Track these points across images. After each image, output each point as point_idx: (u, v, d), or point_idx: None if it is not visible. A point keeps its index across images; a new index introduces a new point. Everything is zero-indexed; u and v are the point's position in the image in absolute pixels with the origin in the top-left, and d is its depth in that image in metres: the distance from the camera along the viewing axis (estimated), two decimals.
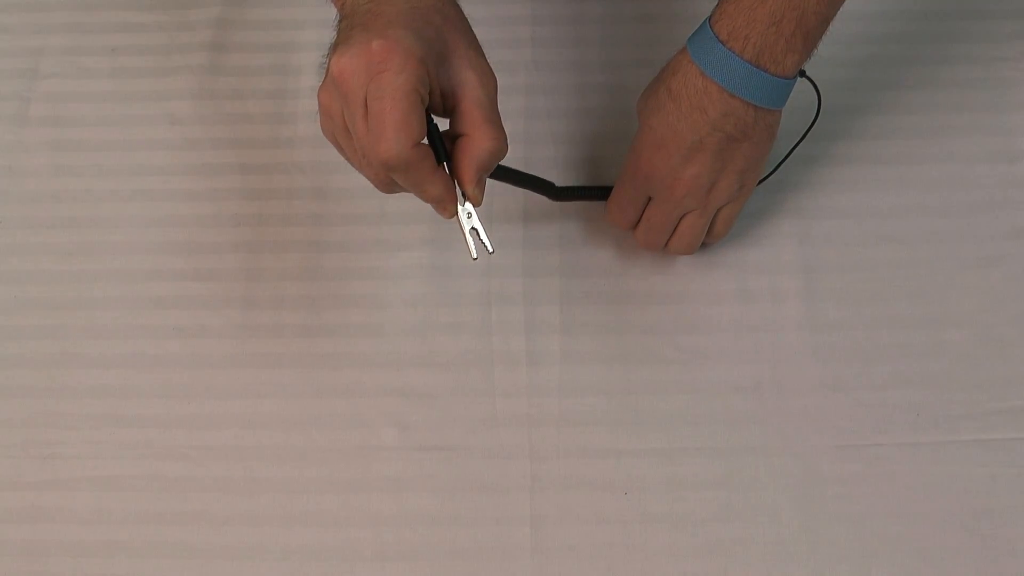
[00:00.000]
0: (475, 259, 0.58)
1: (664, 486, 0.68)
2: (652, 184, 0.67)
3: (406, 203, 0.76)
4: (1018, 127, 0.78)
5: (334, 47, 0.57)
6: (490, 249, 0.58)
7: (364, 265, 0.75)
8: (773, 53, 0.62)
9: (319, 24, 0.84)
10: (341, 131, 0.57)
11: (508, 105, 0.79)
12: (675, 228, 0.69)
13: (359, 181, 0.78)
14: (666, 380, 0.71)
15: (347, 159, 0.58)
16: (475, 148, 0.56)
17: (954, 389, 0.70)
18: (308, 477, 0.69)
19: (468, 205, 0.57)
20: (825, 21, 0.63)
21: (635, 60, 0.81)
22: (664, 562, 0.66)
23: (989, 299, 0.73)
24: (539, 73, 0.81)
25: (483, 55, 0.58)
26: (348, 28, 0.57)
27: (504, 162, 0.78)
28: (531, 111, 0.79)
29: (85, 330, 0.74)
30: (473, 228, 0.58)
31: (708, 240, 0.71)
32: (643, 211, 0.70)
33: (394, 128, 0.53)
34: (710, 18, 0.64)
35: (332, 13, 0.85)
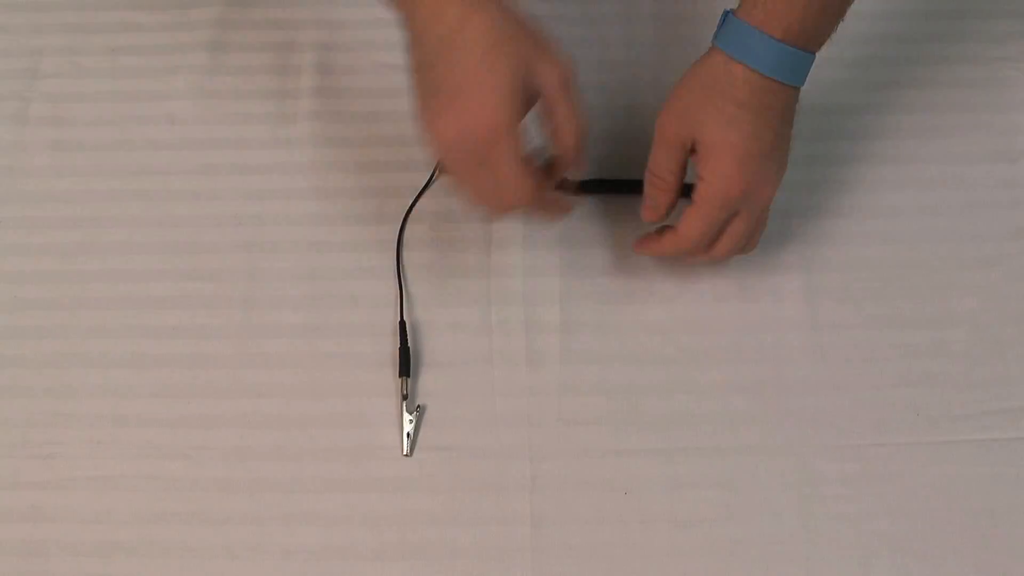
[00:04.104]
0: (405, 455, 0.69)
1: (664, 486, 0.68)
2: (746, 198, 0.65)
3: (405, 203, 0.77)
4: (1018, 127, 0.78)
5: (422, 92, 0.62)
6: (408, 453, 0.69)
7: (364, 265, 0.75)
8: (818, 33, 0.63)
9: (319, 24, 0.85)
10: (461, 178, 0.64)
11: None
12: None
13: (359, 181, 0.78)
14: (666, 380, 0.71)
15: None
16: (568, 130, 0.63)
17: (954, 389, 0.70)
18: (308, 477, 0.69)
19: (410, 415, 0.69)
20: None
21: (633, 60, 0.82)
22: (664, 562, 0.66)
23: (989, 299, 0.73)
24: None
25: (549, 44, 0.62)
26: (431, 67, 0.61)
27: None
28: (531, 111, 0.79)
29: (85, 330, 0.74)
30: (408, 433, 0.69)
31: (753, 240, 0.70)
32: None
33: (516, 187, 0.62)
34: (743, 15, 0.63)
35: (333, 13, 0.85)
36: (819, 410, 0.70)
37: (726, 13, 0.65)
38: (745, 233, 0.67)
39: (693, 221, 0.66)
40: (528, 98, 0.61)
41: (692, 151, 0.66)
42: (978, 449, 0.68)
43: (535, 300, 0.73)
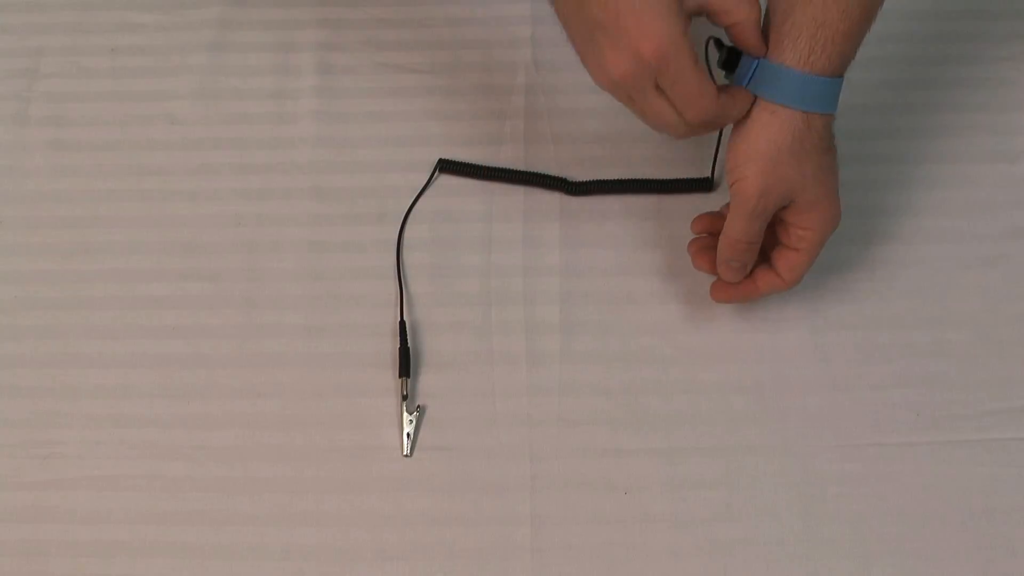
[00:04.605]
0: (406, 455, 0.69)
1: (664, 486, 0.68)
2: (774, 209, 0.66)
3: (405, 203, 0.77)
4: (1018, 127, 0.78)
5: (579, 35, 0.61)
6: (408, 454, 0.69)
7: (364, 265, 0.75)
8: (844, 58, 0.62)
9: (319, 24, 0.85)
10: (641, 107, 0.63)
11: (508, 105, 0.80)
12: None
13: (359, 181, 0.78)
14: (666, 380, 0.71)
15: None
16: (740, 17, 0.61)
17: (954, 389, 0.70)
18: (308, 477, 0.69)
19: (410, 415, 0.69)
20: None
21: None
22: (664, 562, 0.66)
23: (989, 299, 0.73)
24: (539, 73, 0.81)
25: None
26: (580, 5, 0.60)
27: (503, 162, 0.78)
28: (531, 111, 0.79)
29: (85, 330, 0.74)
30: (408, 433, 0.69)
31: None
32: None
33: (700, 99, 0.61)
34: (801, 64, 0.62)
35: (332, 13, 0.85)
36: (819, 410, 0.70)
37: (758, 62, 0.63)
38: None
39: (800, 267, 0.67)
40: (688, 8, 0.60)
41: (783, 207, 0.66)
42: (978, 449, 0.68)
43: (535, 300, 0.73)
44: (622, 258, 0.75)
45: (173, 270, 0.75)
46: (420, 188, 0.77)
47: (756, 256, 0.68)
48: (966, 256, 0.74)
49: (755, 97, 0.63)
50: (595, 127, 0.79)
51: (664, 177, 0.77)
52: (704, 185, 0.76)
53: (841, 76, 0.63)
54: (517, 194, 0.77)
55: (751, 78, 0.63)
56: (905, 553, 0.66)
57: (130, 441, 0.70)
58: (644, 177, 0.77)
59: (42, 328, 0.74)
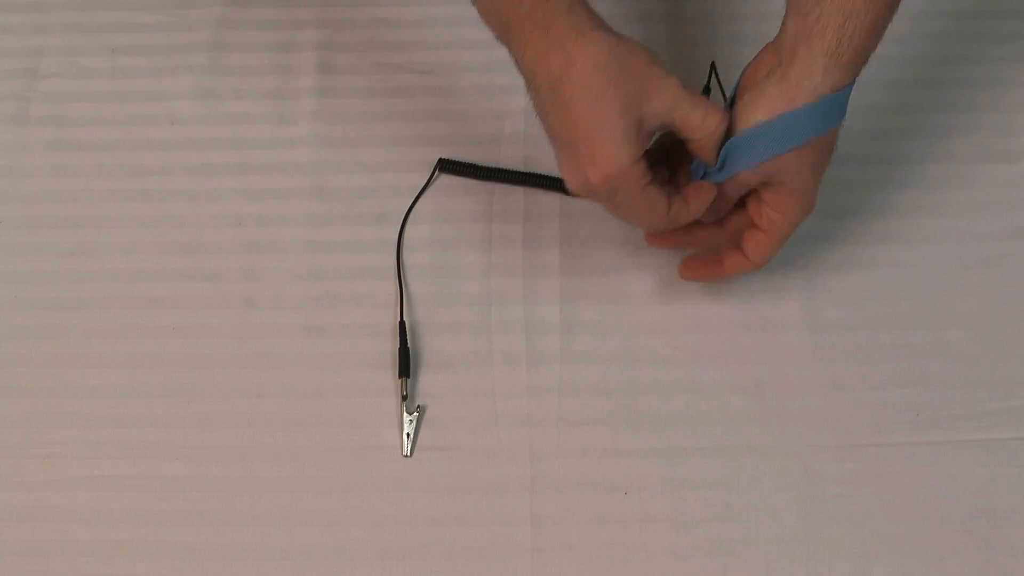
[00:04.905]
0: (405, 455, 0.69)
1: (664, 486, 0.68)
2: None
3: (405, 203, 0.77)
4: (1018, 127, 0.78)
5: (548, 136, 0.64)
6: (408, 454, 0.69)
7: (364, 265, 0.75)
8: (864, 55, 0.63)
9: (319, 24, 0.85)
10: (607, 208, 0.66)
11: (508, 105, 0.80)
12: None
13: (359, 181, 0.78)
14: (666, 380, 0.71)
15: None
16: (695, 138, 0.63)
17: (954, 389, 0.70)
18: (308, 477, 0.69)
19: (410, 415, 0.70)
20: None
21: None
22: (664, 562, 0.66)
23: (989, 299, 0.73)
24: None
25: (655, 66, 0.62)
26: (546, 115, 0.62)
27: (503, 162, 0.78)
28: (531, 111, 0.79)
29: (85, 330, 0.74)
30: (408, 434, 0.69)
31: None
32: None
33: (649, 217, 0.64)
34: (813, 50, 0.62)
35: (332, 13, 0.85)
36: (819, 410, 0.70)
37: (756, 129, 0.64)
38: None
39: (767, 249, 0.67)
40: (649, 128, 0.62)
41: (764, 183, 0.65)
42: (978, 449, 0.68)
43: (535, 300, 0.73)
44: (622, 258, 0.75)
45: (173, 270, 0.75)
46: (420, 188, 0.77)
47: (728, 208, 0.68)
48: (966, 256, 0.74)
49: (717, 188, 0.65)
50: None
51: None
52: None
53: (851, 83, 0.63)
54: (517, 194, 0.77)
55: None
56: (905, 553, 0.66)
57: (130, 441, 0.70)
58: None
59: (42, 328, 0.74)
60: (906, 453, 0.68)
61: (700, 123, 0.62)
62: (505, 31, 0.62)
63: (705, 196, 0.65)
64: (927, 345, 0.71)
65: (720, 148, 0.63)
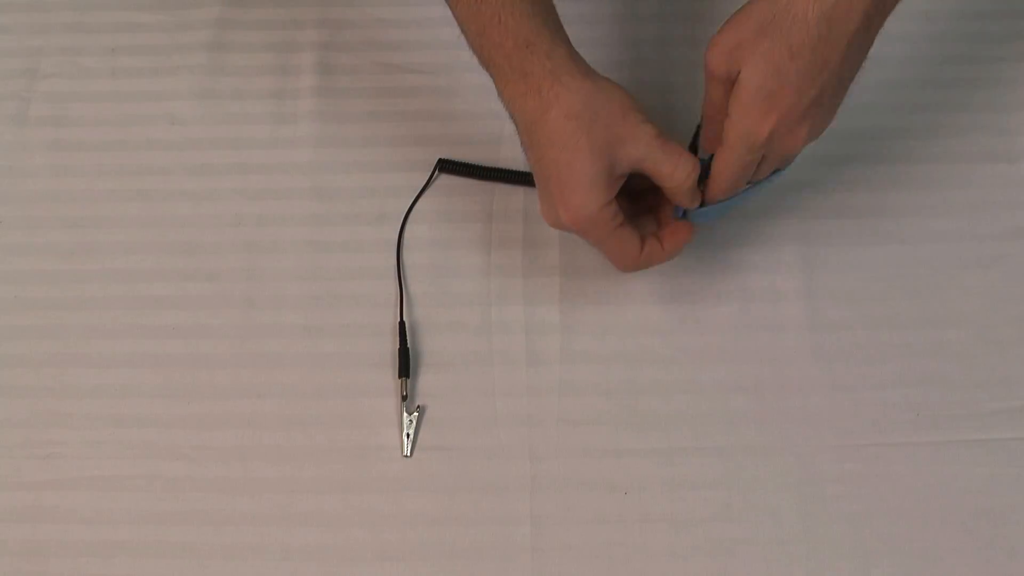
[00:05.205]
0: (406, 456, 0.69)
1: (664, 486, 0.68)
2: (771, 144, 0.62)
3: (405, 203, 0.77)
4: (1018, 127, 0.78)
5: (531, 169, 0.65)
6: (408, 454, 0.69)
7: (364, 265, 0.75)
8: None
9: (319, 24, 0.85)
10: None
11: None
12: None
13: (359, 181, 0.78)
14: (666, 380, 0.71)
15: None
16: (670, 186, 0.64)
17: (954, 389, 0.70)
18: (308, 477, 0.69)
19: (410, 415, 0.70)
20: None
21: (632, 60, 0.82)
22: (664, 562, 0.66)
23: (989, 299, 0.73)
24: None
25: (630, 112, 0.63)
26: (526, 150, 0.64)
27: (503, 162, 0.78)
28: None
29: (85, 330, 0.74)
30: (408, 434, 0.69)
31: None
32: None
33: (620, 258, 0.67)
34: None
35: (333, 13, 0.85)
36: (819, 410, 0.70)
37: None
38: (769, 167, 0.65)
39: (725, 164, 0.64)
40: (620, 172, 0.63)
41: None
42: (978, 449, 0.68)
43: (535, 300, 0.73)
44: None
45: (173, 270, 0.75)
46: (420, 188, 0.77)
47: None
48: (966, 256, 0.74)
49: (692, 235, 0.68)
50: None
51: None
52: None
53: None
54: (517, 194, 0.77)
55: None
56: (905, 553, 0.66)
57: (130, 441, 0.70)
58: None
59: (42, 328, 0.74)
60: (906, 453, 0.68)
61: (671, 172, 0.63)
62: (487, 67, 0.64)
63: (681, 238, 0.68)
64: (927, 345, 0.71)
65: (691, 195, 0.64)
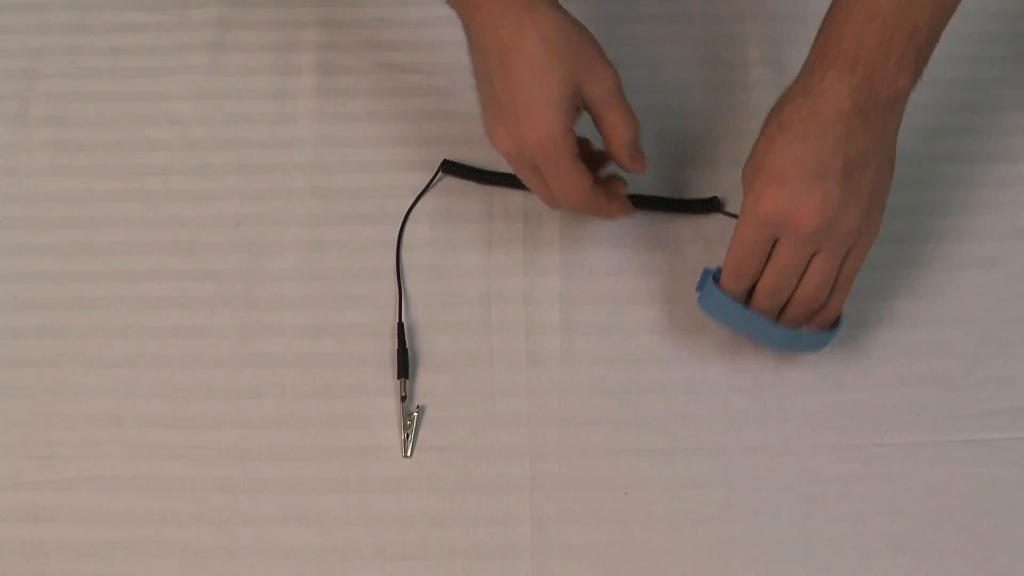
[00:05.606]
0: (406, 456, 0.69)
1: (664, 486, 0.68)
2: (778, 222, 0.62)
3: (405, 203, 0.77)
4: (1018, 127, 0.78)
5: (484, 101, 0.67)
6: (408, 454, 0.69)
7: (364, 265, 0.75)
8: (885, 72, 0.60)
9: (319, 24, 0.85)
10: (525, 178, 0.69)
11: None
12: (801, 276, 0.65)
13: (359, 181, 0.78)
14: (666, 380, 0.71)
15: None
16: (616, 135, 0.67)
17: (954, 389, 0.70)
18: (308, 477, 0.69)
19: (409, 415, 0.70)
20: (936, 34, 0.62)
21: (631, 60, 0.81)
22: (664, 562, 0.66)
23: (989, 299, 0.73)
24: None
25: (598, 54, 0.66)
26: (489, 80, 0.65)
27: (503, 162, 0.78)
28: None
29: (85, 330, 0.74)
30: (408, 433, 0.69)
31: (833, 300, 0.66)
32: (767, 262, 0.65)
33: (573, 188, 0.67)
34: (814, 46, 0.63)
35: (333, 13, 0.85)
36: (819, 410, 0.70)
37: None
38: (822, 276, 0.64)
39: (735, 237, 0.65)
40: (578, 106, 0.65)
41: None
42: (978, 449, 0.68)
43: (535, 300, 0.73)
44: (622, 258, 0.75)
45: (173, 270, 0.75)
46: (420, 188, 0.77)
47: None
48: (966, 256, 0.74)
49: (633, 210, 0.73)
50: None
51: (667, 186, 0.77)
52: (712, 206, 0.76)
53: (843, 76, 0.62)
54: (517, 194, 0.77)
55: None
56: (905, 553, 0.66)
57: (130, 441, 0.70)
58: (652, 194, 0.76)
59: (42, 328, 0.74)
60: (906, 453, 0.68)
61: (619, 121, 0.66)
62: (457, 2, 0.66)
63: (623, 206, 0.72)
64: (927, 345, 0.71)
65: (632, 158, 0.68)
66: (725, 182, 0.76)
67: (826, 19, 0.63)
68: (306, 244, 0.76)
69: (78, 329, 0.74)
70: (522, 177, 0.69)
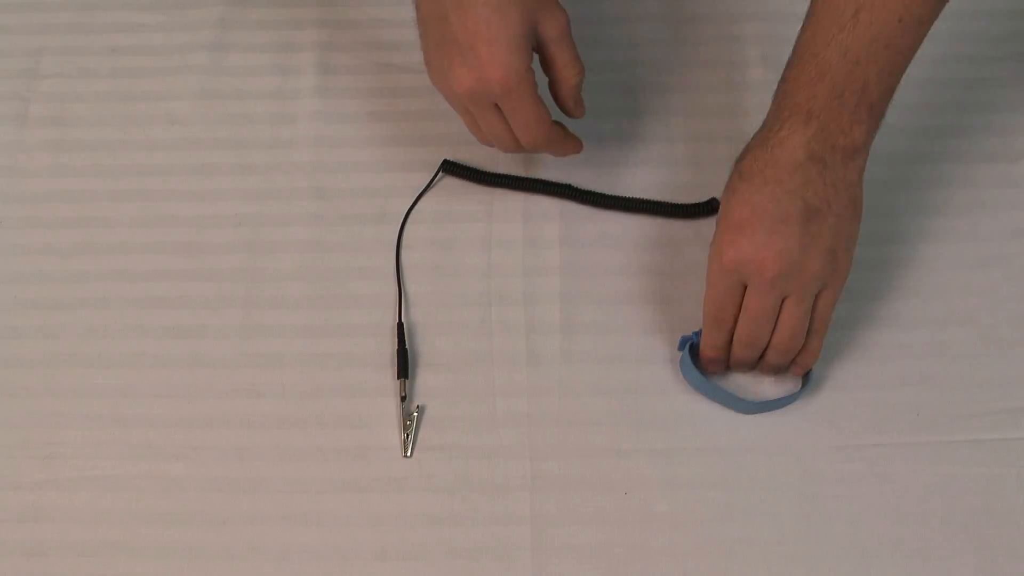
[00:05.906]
0: (406, 456, 0.69)
1: (664, 486, 0.68)
2: (742, 269, 0.64)
3: (405, 203, 0.77)
4: (1018, 127, 0.78)
5: (434, 43, 0.67)
6: (408, 454, 0.69)
7: (364, 265, 0.75)
8: (839, 125, 0.62)
9: (319, 24, 0.85)
10: (476, 120, 0.70)
11: None
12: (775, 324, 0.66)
13: (359, 181, 0.78)
14: (666, 380, 0.71)
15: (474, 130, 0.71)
16: (565, 77, 0.69)
17: (954, 389, 0.70)
18: (308, 477, 0.69)
19: (409, 415, 0.70)
20: (889, 90, 0.63)
21: (631, 60, 0.82)
22: (664, 562, 0.66)
23: (989, 299, 0.73)
24: (539, 72, 0.81)
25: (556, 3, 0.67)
26: (443, 20, 0.66)
27: (503, 162, 0.78)
28: None
29: (85, 330, 0.74)
30: (408, 433, 0.69)
31: (811, 343, 0.67)
32: (739, 310, 0.66)
33: (535, 125, 0.68)
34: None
35: (333, 13, 0.85)
36: (819, 410, 0.70)
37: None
38: (793, 321, 0.65)
39: (706, 295, 0.67)
40: (533, 44, 0.66)
41: None
42: (978, 449, 0.68)
43: (535, 300, 0.73)
44: (622, 258, 0.75)
45: (173, 270, 0.75)
46: (420, 188, 0.77)
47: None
48: (966, 256, 0.74)
49: (582, 146, 0.73)
50: (595, 127, 0.79)
51: (667, 186, 0.77)
52: (711, 208, 0.75)
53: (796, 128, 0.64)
54: (517, 194, 0.77)
55: None
56: (905, 553, 0.66)
57: (130, 441, 0.70)
58: (650, 199, 0.76)
59: (42, 328, 0.74)
60: (906, 453, 0.68)
61: (568, 62, 0.68)
62: None
63: (575, 144, 0.73)
64: (927, 345, 0.71)
65: (576, 102, 0.70)
66: (724, 183, 0.76)
67: (784, 72, 0.65)
68: (306, 244, 0.76)
69: (78, 329, 0.74)
70: (478, 117, 0.69)
